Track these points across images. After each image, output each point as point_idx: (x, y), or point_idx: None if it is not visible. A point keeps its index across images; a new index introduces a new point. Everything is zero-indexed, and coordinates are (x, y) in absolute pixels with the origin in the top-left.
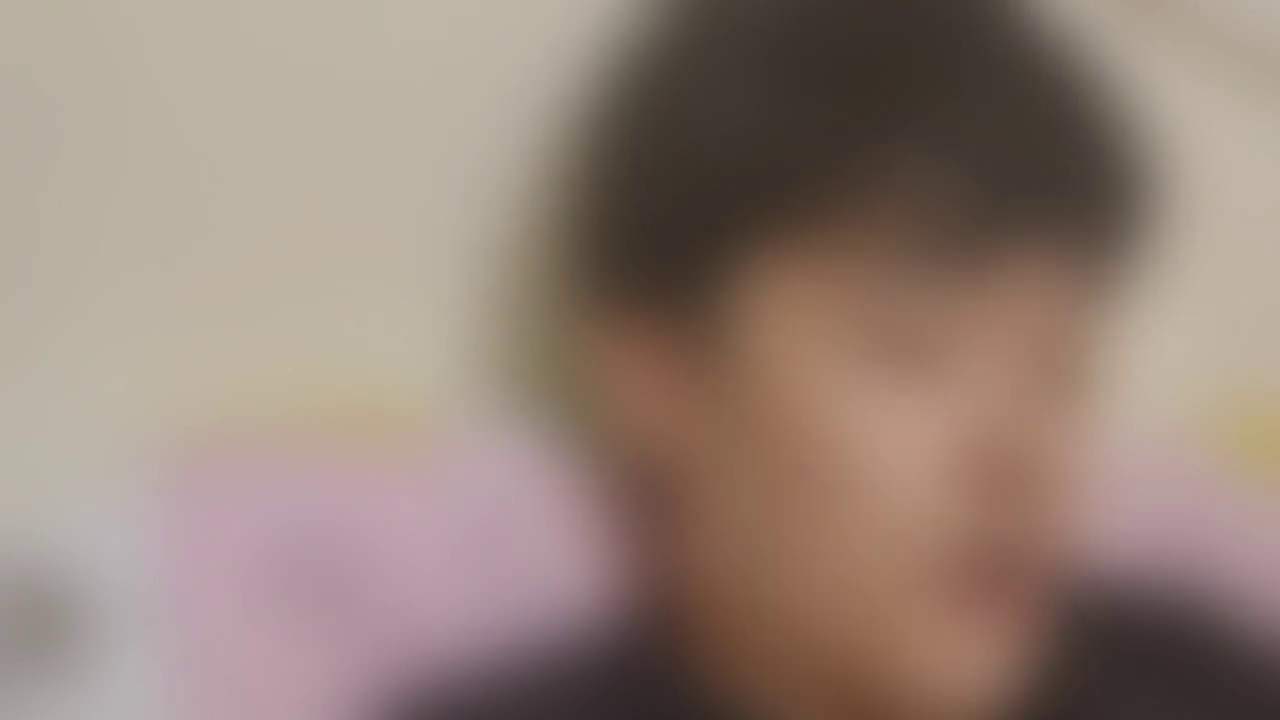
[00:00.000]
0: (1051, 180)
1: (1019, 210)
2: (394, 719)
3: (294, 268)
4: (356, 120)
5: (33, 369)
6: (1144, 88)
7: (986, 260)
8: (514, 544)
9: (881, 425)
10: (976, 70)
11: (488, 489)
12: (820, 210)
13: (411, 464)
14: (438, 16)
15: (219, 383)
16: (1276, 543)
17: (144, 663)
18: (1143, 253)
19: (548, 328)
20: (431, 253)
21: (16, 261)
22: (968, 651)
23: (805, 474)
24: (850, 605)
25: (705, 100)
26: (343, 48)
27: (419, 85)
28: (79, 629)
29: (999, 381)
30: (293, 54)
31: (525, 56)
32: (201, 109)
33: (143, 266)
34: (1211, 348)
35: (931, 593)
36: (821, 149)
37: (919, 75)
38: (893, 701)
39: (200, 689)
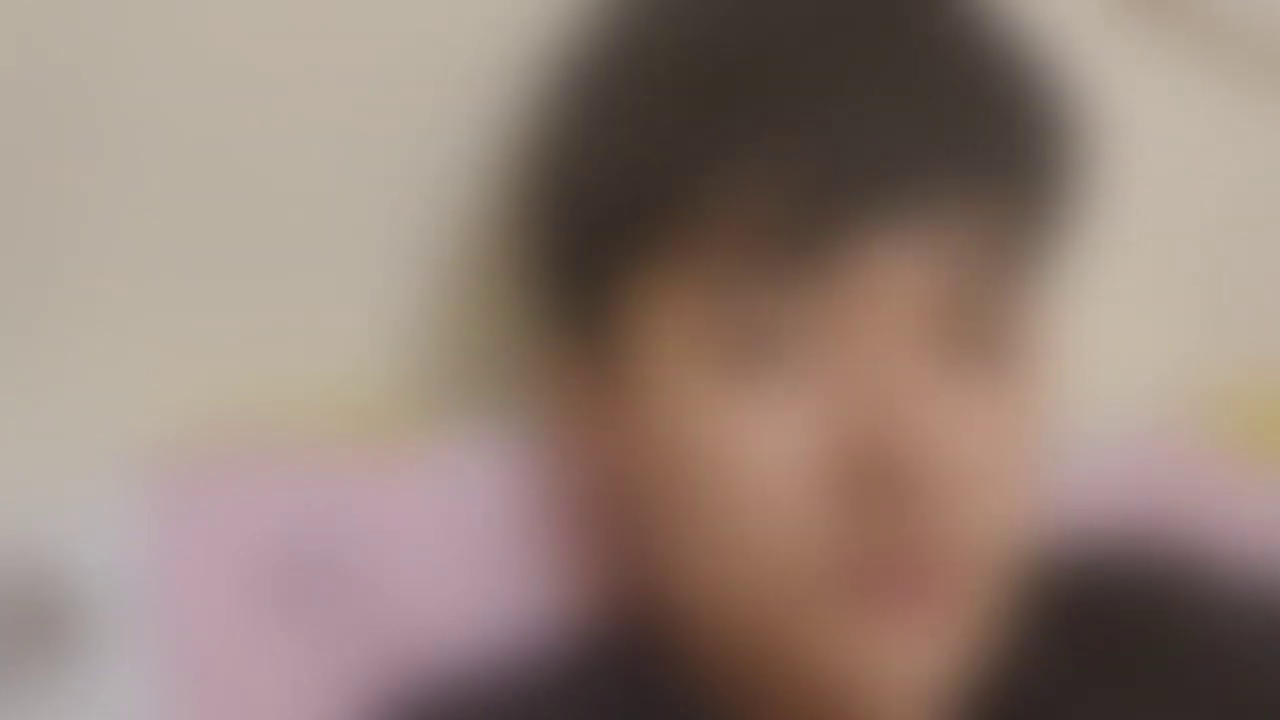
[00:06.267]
0: (941, 160)
1: (892, 196)
2: (384, 719)
3: (286, 271)
4: (348, 125)
5: (26, 371)
6: (1081, 67)
7: (846, 253)
8: (504, 545)
9: (747, 436)
10: (855, 61)
11: (478, 491)
12: (683, 226)
13: (403, 465)
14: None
15: (212, 384)
16: (1253, 524)
17: (137, 663)
18: (1081, 231)
19: (511, 340)
20: (424, 258)
21: (11, 266)
22: (883, 653)
23: (692, 491)
24: (764, 614)
25: (583, 125)
26: (306, 57)
27: (401, 89)
28: (73, 630)
29: (874, 377)
30: (263, 62)
31: (459, 72)
32: (196, 117)
33: (134, 270)
34: (1187, 333)
35: (828, 598)
36: (674, 164)
37: (781, 76)
38: (836, 705)
39: (193, 689)
